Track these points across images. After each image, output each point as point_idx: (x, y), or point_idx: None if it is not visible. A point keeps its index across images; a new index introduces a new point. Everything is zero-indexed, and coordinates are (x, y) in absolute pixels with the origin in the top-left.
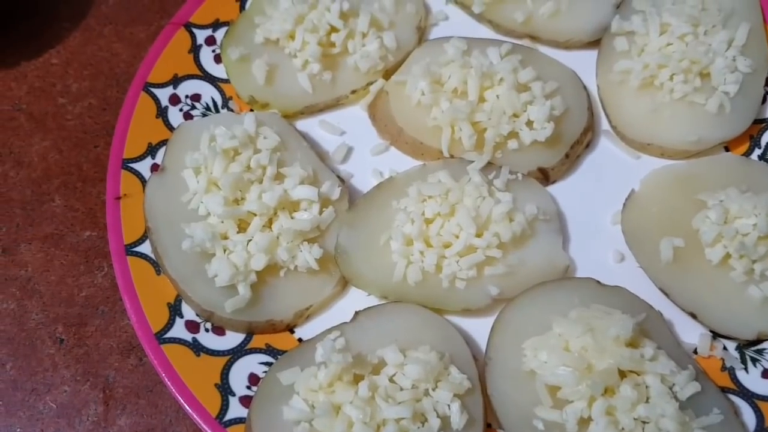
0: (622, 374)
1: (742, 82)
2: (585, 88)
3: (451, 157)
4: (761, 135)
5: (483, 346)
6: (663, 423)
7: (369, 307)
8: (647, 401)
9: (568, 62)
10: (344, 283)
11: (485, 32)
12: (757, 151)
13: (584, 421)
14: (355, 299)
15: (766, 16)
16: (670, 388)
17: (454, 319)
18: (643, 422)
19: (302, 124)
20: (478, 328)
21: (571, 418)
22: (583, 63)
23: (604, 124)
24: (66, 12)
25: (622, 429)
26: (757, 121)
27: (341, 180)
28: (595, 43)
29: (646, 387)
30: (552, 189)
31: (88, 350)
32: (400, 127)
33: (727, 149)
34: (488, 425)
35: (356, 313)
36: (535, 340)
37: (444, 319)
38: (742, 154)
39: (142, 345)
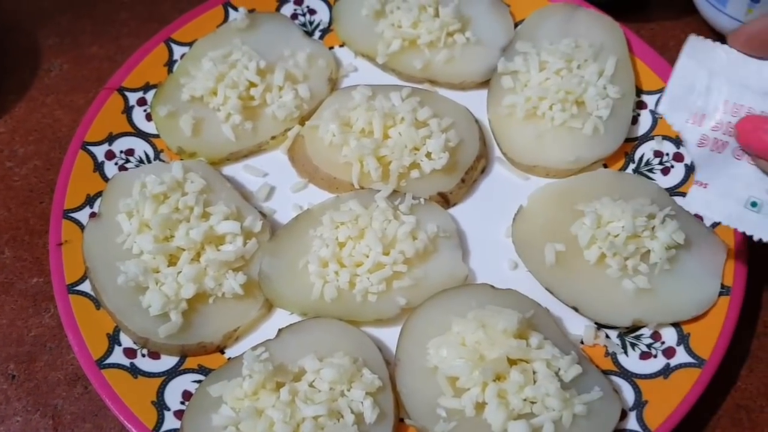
0: (513, 362)
1: (612, 106)
2: (477, 121)
3: (362, 188)
4: (634, 151)
5: (394, 350)
6: (548, 401)
7: (291, 324)
8: (535, 384)
9: (463, 100)
10: (269, 306)
11: (390, 79)
12: (632, 166)
13: (480, 406)
14: (279, 319)
15: (632, 48)
16: (556, 373)
17: (368, 329)
18: (532, 402)
19: (228, 169)
20: (390, 336)
21: (468, 403)
22: (476, 100)
23: (497, 152)
24: (11, 85)
25: (513, 409)
26: (630, 140)
27: (263, 215)
28: (485, 83)
29: (534, 372)
30: (453, 210)
31: (38, 383)
32: (316, 165)
33: (606, 166)
34: (401, 420)
35: (279, 330)
36: (437, 339)
37: (358, 330)
38: (619, 169)
39: (85, 373)
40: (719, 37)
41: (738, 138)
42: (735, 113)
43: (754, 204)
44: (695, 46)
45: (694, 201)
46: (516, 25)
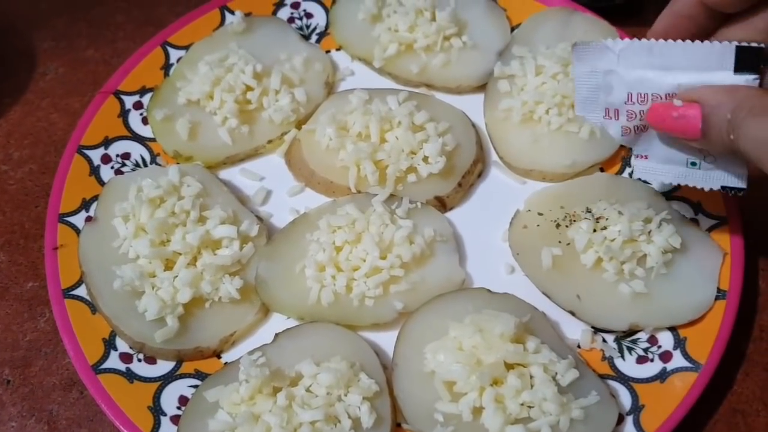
0: (510, 367)
1: None
2: (474, 125)
3: (358, 192)
4: (630, 155)
5: (391, 355)
6: (545, 406)
7: (288, 329)
8: (532, 388)
9: (460, 104)
10: (265, 310)
11: (387, 83)
12: (628, 170)
13: (477, 410)
14: (276, 323)
15: None
16: (553, 377)
17: (365, 334)
18: (529, 407)
19: (224, 173)
20: (387, 340)
21: (465, 408)
22: (472, 104)
23: (493, 156)
24: (7, 88)
25: (510, 414)
26: None
27: (260, 219)
28: (482, 87)
29: (531, 377)
30: (450, 215)
31: (33, 388)
32: (313, 169)
33: (602, 170)
34: (398, 425)
35: (276, 335)
36: (434, 344)
37: (355, 334)
38: (616, 173)
39: (81, 378)
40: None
41: (653, 127)
42: (642, 101)
43: (693, 164)
44: (582, 52)
45: (639, 171)
46: (512, 29)
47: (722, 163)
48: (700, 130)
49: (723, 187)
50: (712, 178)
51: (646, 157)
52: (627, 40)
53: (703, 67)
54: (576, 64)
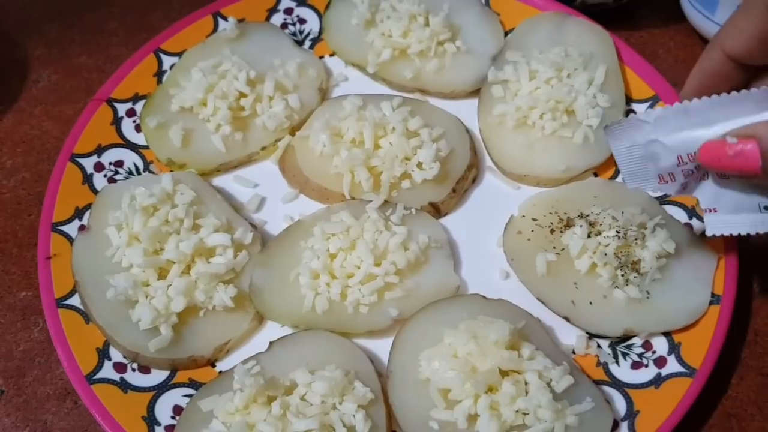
0: (505, 374)
1: (603, 115)
2: (468, 131)
3: (353, 198)
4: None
5: (386, 362)
6: (540, 413)
7: (282, 337)
8: (527, 395)
9: (454, 110)
10: (260, 318)
11: (381, 89)
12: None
13: (472, 418)
14: (270, 331)
15: (622, 56)
16: (548, 384)
17: (359, 341)
18: (524, 414)
19: (218, 180)
20: (382, 347)
21: (461, 415)
22: (466, 110)
23: (488, 161)
24: None
25: (505, 421)
26: None
27: (254, 226)
28: (476, 92)
29: (526, 383)
30: (444, 220)
31: (27, 398)
32: (307, 176)
33: (596, 175)
34: None
35: (270, 343)
36: (429, 351)
37: (350, 342)
38: (610, 178)
39: (75, 388)
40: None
41: (706, 167)
42: (695, 159)
43: (766, 207)
44: (615, 131)
45: (713, 226)
46: (506, 34)
47: None
48: (759, 165)
49: None
50: None
51: (714, 210)
52: (659, 108)
53: (744, 113)
54: (612, 143)
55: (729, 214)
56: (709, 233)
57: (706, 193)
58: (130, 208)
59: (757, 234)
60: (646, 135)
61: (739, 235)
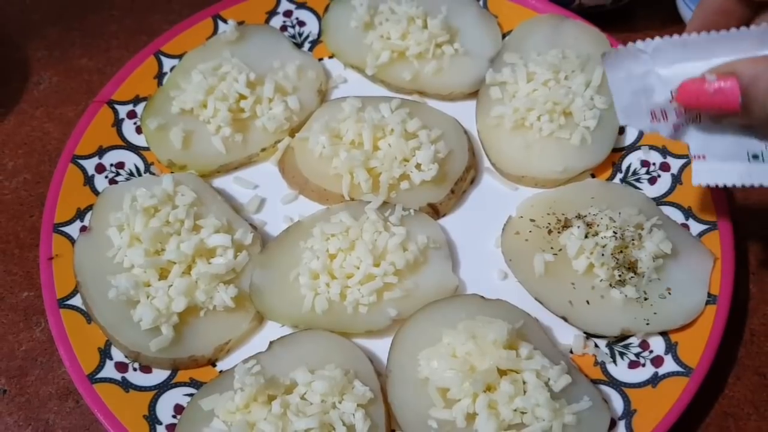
0: (503, 373)
1: (600, 117)
2: (466, 132)
3: (352, 199)
4: (621, 161)
5: (385, 362)
6: (538, 411)
7: (282, 337)
8: (525, 394)
9: (452, 111)
10: (260, 318)
11: (380, 91)
12: (619, 175)
13: (471, 417)
14: (271, 331)
15: None
16: (546, 383)
17: (359, 341)
18: (522, 413)
19: (218, 182)
20: (381, 347)
21: (459, 414)
22: (464, 111)
23: (486, 163)
24: (0, 98)
25: (503, 420)
26: (616, 150)
27: (254, 227)
28: (474, 94)
29: (524, 382)
30: (443, 221)
31: (29, 398)
32: (306, 177)
33: (593, 176)
34: (393, 431)
35: (271, 343)
36: (428, 351)
37: (349, 341)
38: (607, 179)
39: (76, 387)
40: None
41: (685, 106)
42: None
43: (755, 156)
44: (612, 59)
45: (699, 174)
46: (504, 36)
47: None
48: (739, 103)
49: None
50: None
51: (704, 157)
52: (658, 38)
53: (743, 50)
54: (609, 73)
55: (717, 162)
56: (695, 182)
57: (696, 137)
58: (131, 209)
59: (743, 186)
60: (643, 65)
61: (725, 186)
